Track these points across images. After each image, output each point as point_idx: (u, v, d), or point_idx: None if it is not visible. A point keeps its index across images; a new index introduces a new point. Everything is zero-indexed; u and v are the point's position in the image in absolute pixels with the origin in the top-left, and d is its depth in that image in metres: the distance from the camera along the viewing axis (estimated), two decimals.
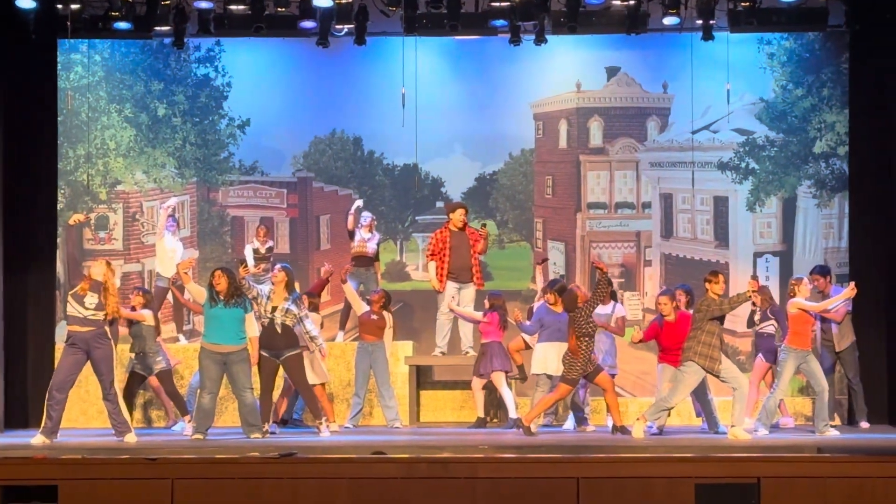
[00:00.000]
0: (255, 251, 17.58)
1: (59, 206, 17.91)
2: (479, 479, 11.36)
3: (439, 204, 18.66)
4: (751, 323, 16.12)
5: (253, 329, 14.39)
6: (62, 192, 18.14)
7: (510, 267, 18.58)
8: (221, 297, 14.24)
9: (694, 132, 18.45)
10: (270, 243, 17.82)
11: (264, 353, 14.48)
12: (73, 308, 13.97)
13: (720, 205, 18.60)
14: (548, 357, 15.16)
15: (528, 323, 15.55)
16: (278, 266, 14.99)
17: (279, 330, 14.56)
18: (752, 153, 18.45)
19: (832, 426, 14.94)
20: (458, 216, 16.21)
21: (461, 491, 11.32)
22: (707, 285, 14.14)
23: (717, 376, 14.06)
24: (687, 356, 14.02)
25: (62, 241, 18.12)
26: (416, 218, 18.91)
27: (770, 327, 15.79)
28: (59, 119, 17.79)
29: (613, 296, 15.93)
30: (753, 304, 15.85)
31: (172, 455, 12.32)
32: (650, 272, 18.59)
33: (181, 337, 17.67)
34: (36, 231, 17.30)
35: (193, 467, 11.65)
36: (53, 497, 11.42)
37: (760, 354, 15.84)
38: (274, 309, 14.55)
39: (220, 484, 11.43)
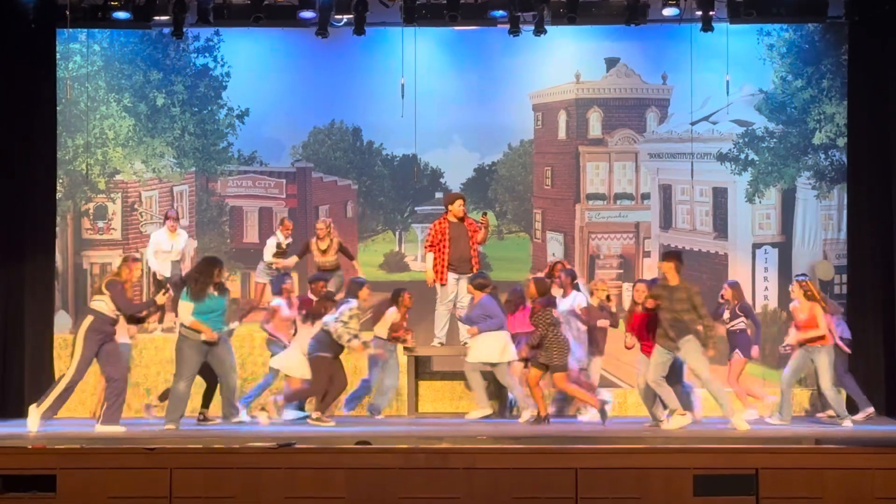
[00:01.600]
0: (278, 245, 17.44)
1: (58, 195, 17.91)
2: (477, 470, 11.36)
3: (438, 195, 18.64)
4: (716, 319, 16.05)
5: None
6: (61, 181, 18.13)
7: (509, 258, 18.58)
8: (216, 289, 14.27)
9: (693, 123, 18.44)
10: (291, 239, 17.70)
11: (328, 355, 14.62)
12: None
13: (719, 196, 18.59)
14: (486, 345, 15.31)
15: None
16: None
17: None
18: (751, 144, 18.44)
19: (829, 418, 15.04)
20: (457, 207, 16.18)
21: (459, 481, 11.31)
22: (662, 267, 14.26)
23: (676, 357, 14.10)
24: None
25: (60, 230, 18.13)
26: (415, 208, 18.91)
27: (741, 324, 15.84)
28: (57, 109, 17.78)
29: (576, 286, 15.87)
30: (722, 298, 15.97)
31: (171, 445, 12.31)
32: (649, 263, 18.58)
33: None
34: (34, 221, 17.31)
35: (191, 457, 11.65)
36: (52, 486, 11.42)
37: (737, 350, 15.87)
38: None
39: (218, 474, 11.43)
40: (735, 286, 16.08)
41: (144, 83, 18.60)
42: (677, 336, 14.00)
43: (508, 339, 15.32)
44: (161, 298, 14.46)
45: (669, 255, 14.59)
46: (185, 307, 14.30)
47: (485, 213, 16.54)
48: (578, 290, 15.84)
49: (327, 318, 14.76)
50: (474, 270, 16.21)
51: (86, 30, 18.11)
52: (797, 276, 15.81)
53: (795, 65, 18.40)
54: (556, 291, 15.68)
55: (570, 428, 14.62)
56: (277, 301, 15.84)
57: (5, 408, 16.64)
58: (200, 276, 14.32)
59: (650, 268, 18.55)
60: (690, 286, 14.21)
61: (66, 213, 18.41)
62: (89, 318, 14.08)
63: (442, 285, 16.22)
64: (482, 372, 15.67)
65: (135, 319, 14.65)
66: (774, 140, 18.41)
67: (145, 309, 14.53)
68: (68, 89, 18.22)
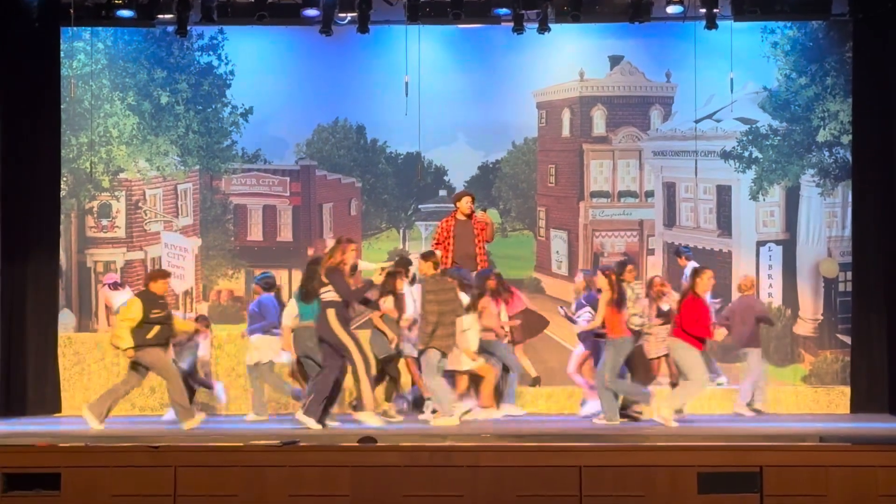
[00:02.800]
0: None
1: (62, 193, 17.94)
2: (481, 468, 11.37)
3: (442, 192, 18.66)
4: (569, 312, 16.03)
5: None
6: (65, 179, 18.15)
7: (513, 255, 18.57)
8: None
9: (697, 121, 18.42)
10: None
11: None
12: None
13: (723, 194, 18.58)
14: (261, 346, 15.77)
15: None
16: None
17: None
18: (755, 142, 18.44)
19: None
20: (464, 204, 16.14)
21: (463, 479, 11.32)
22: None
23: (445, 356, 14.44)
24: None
25: (64, 228, 18.14)
26: (419, 206, 18.90)
27: (587, 314, 15.67)
28: (61, 107, 17.82)
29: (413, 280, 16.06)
30: (574, 291, 15.96)
31: (175, 443, 12.33)
32: (653, 261, 18.58)
33: None
34: (38, 218, 17.35)
35: (196, 455, 11.66)
36: (56, 485, 11.43)
37: (580, 343, 15.79)
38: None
39: (222, 472, 11.44)
40: (586, 277, 15.99)
41: (148, 81, 18.60)
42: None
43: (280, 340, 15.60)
44: (377, 278, 14.30)
45: (424, 254, 14.95)
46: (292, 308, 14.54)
47: (484, 210, 16.54)
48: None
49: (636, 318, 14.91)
50: (479, 268, 16.20)
51: (90, 28, 18.12)
52: (600, 267, 15.74)
53: (799, 62, 18.39)
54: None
55: (573, 426, 14.63)
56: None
57: (9, 406, 16.66)
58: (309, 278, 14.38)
59: (654, 265, 18.56)
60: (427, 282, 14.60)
61: (70, 211, 18.42)
62: (332, 311, 14.03)
63: None
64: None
65: (363, 301, 14.66)
66: (778, 138, 18.39)
67: (365, 292, 14.31)
68: (72, 87, 18.22)
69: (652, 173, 18.71)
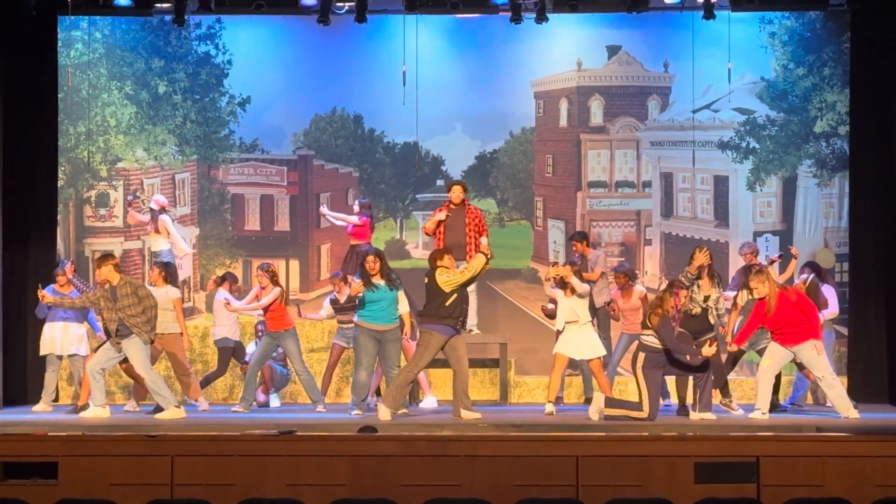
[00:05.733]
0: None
1: (60, 182, 17.94)
2: (478, 458, 11.35)
3: (439, 182, 18.66)
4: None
5: (405, 305, 14.70)
6: (62, 168, 18.14)
7: (510, 245, 18.57)
8: (379, 281, 14.57)
9: (695, 111, 18.43)
10: None
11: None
12: None
13: (720, 184, 18.59)
14: (54, 336, 15.61)
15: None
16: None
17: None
18: (752, 132, 18.44)
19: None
20: (454, 193, 15.83)
21: (460, 469, 11.31)
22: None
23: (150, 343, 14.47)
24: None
25: (62, 217, 18.13)
26: (417, 196, 18.91)
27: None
28: (59, 96, 17.82)
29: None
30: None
31: (172, 432, 12.33)
32: (650, 251, 18.60)
33: None
34: (36, 208, 17.36)
35: (193, 444, 11.63)
36: (53, 474, 11.41)
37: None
38: (706, 298, 14.69)
39: (219, 461, 11.41)
40: (263, 273, 15.85)
41: (146, 71, 18.59)
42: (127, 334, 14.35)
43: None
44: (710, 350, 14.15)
45: (103, 257, 14.80)
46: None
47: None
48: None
49: None
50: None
51: (87, 17, 18.10)
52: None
53: (797, 53, 18.39)
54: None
55: (571, 416, 14.64)
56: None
57: (7, 394, 16.67)
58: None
59: (651, 255, 18.57)
60: (135, 282, 14.62)
61: (68, 200, 18.42)
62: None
63: None
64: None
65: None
66: (776, 128, 18.40)
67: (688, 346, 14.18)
68: (70, 77, 18.22)
69: (649, 163, 18.71)
